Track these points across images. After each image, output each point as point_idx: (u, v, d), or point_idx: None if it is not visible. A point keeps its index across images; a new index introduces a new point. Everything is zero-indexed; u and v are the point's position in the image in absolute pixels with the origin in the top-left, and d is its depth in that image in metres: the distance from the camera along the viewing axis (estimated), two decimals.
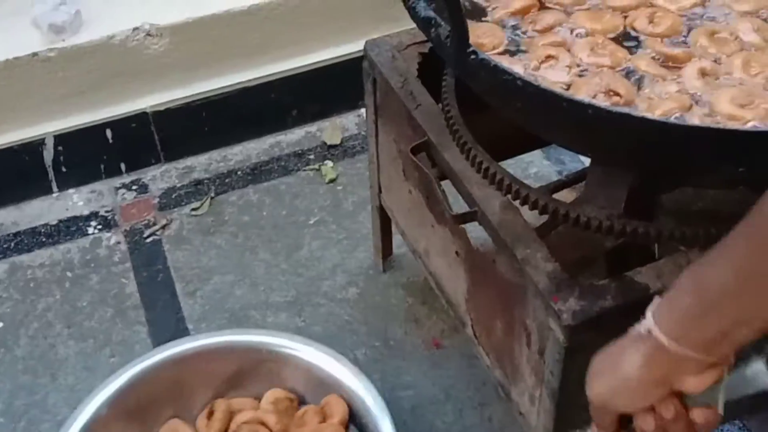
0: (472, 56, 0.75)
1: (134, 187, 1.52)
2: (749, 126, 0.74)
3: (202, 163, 1.56)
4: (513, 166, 1.44)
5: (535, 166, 1.52)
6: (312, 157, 1.57)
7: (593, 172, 0.91)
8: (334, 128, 1.62)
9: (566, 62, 0.86)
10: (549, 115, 0.75)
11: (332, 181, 1.52)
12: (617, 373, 0.66)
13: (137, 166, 1.55)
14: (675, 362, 0.63)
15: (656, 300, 0.65)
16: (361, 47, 1.13)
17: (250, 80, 1.55)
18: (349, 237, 1.43)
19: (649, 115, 0.74)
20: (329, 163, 1.56)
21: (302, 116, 1.63)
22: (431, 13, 0.80)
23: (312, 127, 1.63)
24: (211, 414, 1.09)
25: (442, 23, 0.77)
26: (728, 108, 0.78)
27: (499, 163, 0.93)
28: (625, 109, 0.75)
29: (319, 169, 1.55)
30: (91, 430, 1.01)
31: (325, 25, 1.55)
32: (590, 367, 0.69)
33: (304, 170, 1.55)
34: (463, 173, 0.96)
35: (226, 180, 1.53)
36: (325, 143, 1.59)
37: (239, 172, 1.55)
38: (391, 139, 1.14)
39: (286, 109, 1.61)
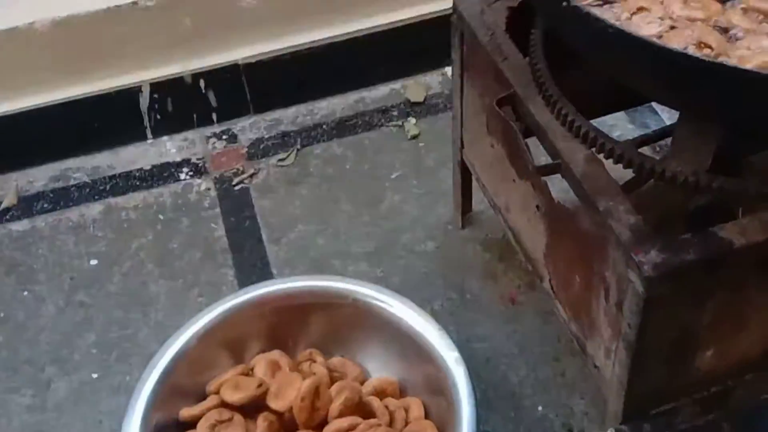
0: (564, 2, 0.76)
1: (224, 137, 1.57)
2: None
3: (290, 116, 1.60)
4: (607, 122, 1.45)
5: (619, 129, 1.51)
6: (395, 113, 1.59)
7: (681, 127, 0.90)
8: (418, 86, 1.64)
9: (659, 14, 0.85)
10: (640, 64, 0.75)
11: (415, 137, 1.54)
12: None
13: (228, 117, 1.59)
14: None
15: None
16: (447, 5, 1.14)
17: (337, 35, 1.58)
18: (430, 193, 1.45)
19: (740, 66, 0.73)
20: (412, 120, 1.57)
21: (387, 73, 1.64)
22: None
23: (396, 84, 1.64)
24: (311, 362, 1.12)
25: None
26: None
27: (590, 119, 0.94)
28: (718, 60, 0.74)
29: (402, 126, 1.57)
30: (184, 357, 1.06)
31: None
32: None
33: (387, 126, 1.57)
34: (548, 126, 0.97)
35: (312, 133, 1.57)
36: (408, 100, 1.61)
37: (324, 126, 1.58)
38: (477, 93, 1.16)
39: (372, 66, 1.63)
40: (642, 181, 0.96)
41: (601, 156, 0.92)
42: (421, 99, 1.62)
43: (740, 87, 0.69)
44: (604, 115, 1.33)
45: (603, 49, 0.77)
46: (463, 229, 1.39)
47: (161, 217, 1.44)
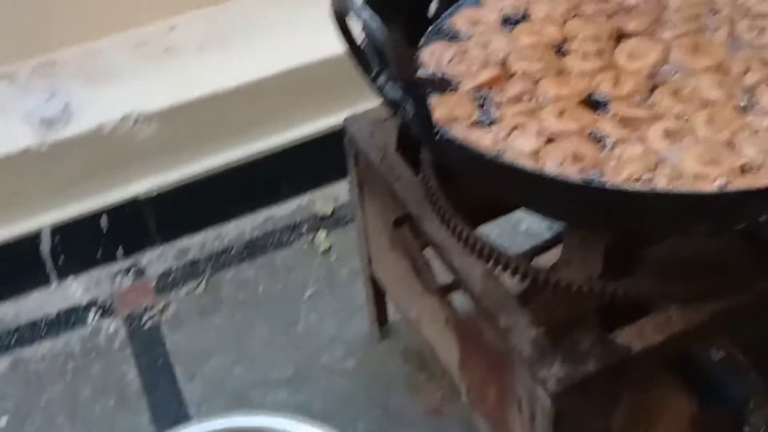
0: (439, 136, 0.77)
1: (131, 272, 1.54)
2: (713, 186, 0.76)
3: (197, 243, 1.58)
4: (503, 223, 1.46)
5: (526, 222, 1.53)
6: (305, 228, 1.59)
7: (569, 235, 0.92)
8: (325, 198, 1.64)
9: (535, 129, 0.87)
10: (516, 187, 0.77)
11: (326, 251, 1.54)
12: None
13: (133, 251, 1.57)
14: None
15: None
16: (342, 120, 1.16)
17: (239, 158, 1.58)
18: (345, 307, 1.43)
19: (608, 184, 0.75)
20: (322, 234, 1.57)
21: (294, 188, 1.65)
22: (399, 94, 0.82)
23: (304, 199, 1.65)
24: None
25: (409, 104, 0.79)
26: (694, 166, 0.80)
27: (489, 222, 0.94)
28: (586, 178, 0.76)
29: (312, 241, 1.56)
30: None
31: (310, 98, 1.59)
32: None
33: (298, 242, 1.57)
34: (444, 243, 0.97)
35: (222, 258, 1.55)
36: (317, 214, 1.61)
37: (234, 250, 1.56)
38: (377, 211, 1.16)
39: (278, 183, 1.63)
40: (539, 289, 0.96)
41: (498, 270, 0.93)
42: (329, 211, 1.62)
43: (610, 203, 0.71)
44: (505, 215, 1.35)
45: (480, 176, 0.78)
46: (382, 341, 1.38)
47: (71, 365, 1.39)
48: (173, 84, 1.50)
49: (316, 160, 1.63)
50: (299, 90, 1.57)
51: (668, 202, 0.71)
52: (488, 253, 0.92)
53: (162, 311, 1.46)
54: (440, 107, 0.90)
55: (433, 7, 0.99)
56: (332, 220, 1.60)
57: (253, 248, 1.56)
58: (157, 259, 1.56)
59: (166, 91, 1.50)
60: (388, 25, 0.90)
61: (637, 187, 0.76)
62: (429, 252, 1.03)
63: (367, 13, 0.68)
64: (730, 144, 0.82)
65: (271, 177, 1.62)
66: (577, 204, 0.74)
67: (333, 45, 0.84)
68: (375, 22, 0.68)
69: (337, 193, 1.65)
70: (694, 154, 0.81)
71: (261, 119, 1.57)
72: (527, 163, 0.80)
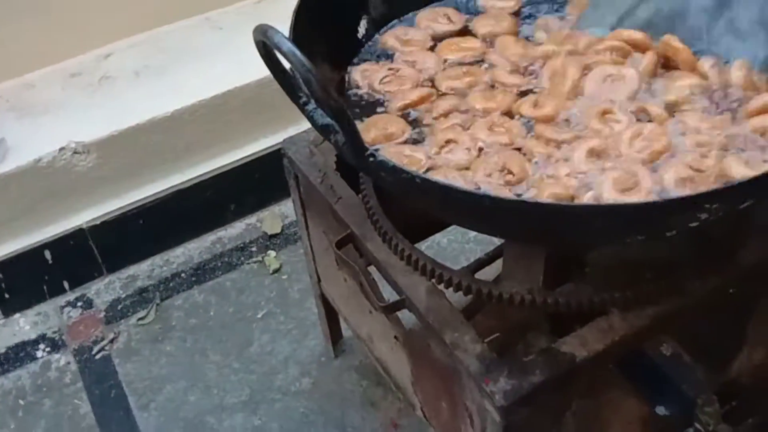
0: (371, 158, 0.78)
1: (79, 304, 1.52)
2: (628, 200, 0.76)
3: (145, 270, 1.56)
4: (453, 231, 1.47)
5: None
6: (254, 249, 1.58)
7: (508, 248, 0.93)
8: (273, 217, 1.64)
9: (466, 144, 0.88)
10: (449, 207, 0.77)
11: (276, 271, 1.54)
12: None
13: (80, 282, 1.55)
14: None
15: None
16: (288, 135, 1.15)
17: (183, 182, 1.57)
18: (299, 326, 1.43)
19: (533, 200, 0.76)
20: (272, 253, 1.57)
21: (241, 209, 1.64)
22: (329, 120, 0.82)
23: (252, 219, 1.64)
24: None
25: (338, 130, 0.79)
26: (612, 194, 0.80)
27: (440, 232, 0.93)
28: (510, 198, 0.77)
29: (262, 261, 1.56)
30: None
31: (250, 119, 1.58)
32: None
33: (248, 263, 1.56)
34: (388, 262, 0.97)
35: (171, 284, 1.54)
36: (266, 233, 1.61)
37: (183, 275, 1.55)
38: (321, 231, 1.16)
39: (224, 205, 1.62)
40: (483, 302, 0.97)
41: (441, 286, 0.93)
42: (278, 230, 1.62)
43: (538, 218, 0.72)
44: (448, 227, 1.36)
45: (414, 196, 0.79)
46: (337, 358, 1.38)
47: (21, 402, 1.37)
48: (110, 113, 1.49)
49: (261, 180, 1.62)
50: (239, 111, 1.56)
51: (597, 215, 0.72)
52: (431, 270, 0.93)
53: (112, 342, 1.44)
54: (373, 127, 0.91)
55: (363, 28, 0.99)
56: (281, 239, 1.60)
57: (202, 272, 1.55)
58: (105, 289, 1.54)
59: (104, 120, 1.48)
60: (314, 48, 0.91)
61: (565, 202, 0.77)
62: (375, 270, 1.03)
63: (287, 46, 0.68)
64: (645, 162, 0.82)
65: (217, 199, 1.61)
66: (509, 220, 0.75)
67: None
68: (296, 55, 0.68)
69: (285, 211, 1.64)
70: (611, 182, 0.80)
71: (202, 143, 1.56)
72: (459, 179, 0.80)
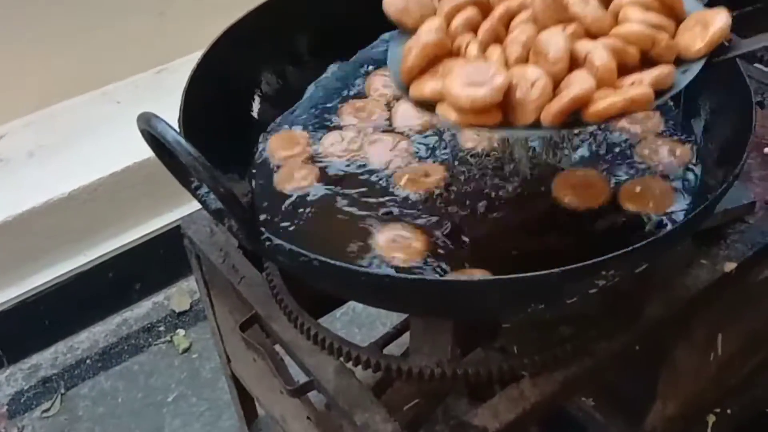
0: (266, 243, 0.76)
1: None
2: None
3: (48, 359, 1.50)
4: None
5: None
6: (162, 328, 1.54)
7: (414, 321, 0.92)
8: (181, 294, 1.59)
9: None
10: (348, 287, 0.76)
11: (186, 350, 1.49)
12: None
13: None
14: None
15: None
16: (191, 210, 1.12)
17: (84, 264, 1.52)
18: (212, 407, 1.39)
19: (426, 277, 0.76)
20: (181, 332, 1.52)
21: (147, 287, 1.60)
22: (219, 206, 0.80)
23: (159, 297, 1.60)
24: None
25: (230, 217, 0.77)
26: None
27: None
28: (408, 275, 0.76)
29: (171, 340, 1.51)
30: None
31: (151, 195, 1.55)
32: None
33: (156, 344, 1.51)
34: (294, 342, 0.95)
35: (76, 372, 1.47)
36: (174, 311, 1.56)
37: (88, 361, 1.49)
38: (227, 310, 1.13)
39: (129, 284, 1.58)
40: (393, 378, 0.95)
41: (350, 364, 0.91)
42: (186, 307, 1.58)
43: (431, 294, 0.71)
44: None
45: (313, 277, 0.77)
46: None
47: None
48: (4, 197, 1.44)
49: (166, 256, 1.58)
50: (140, 187, 1.52)
51: (494, 289, 0.71)
52: (338, 349, 0.91)
53: None
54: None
55: (256, 108, 0.98)
56: (190, 316, 1.56)
57: (108, 357, 1.49)
58: (7, 381, 1.47)
59: None
60: (207, 125, 0.90)
61: (463, 277, 0.76)
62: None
63: (171, 135, 0.66)
64: None
65: (121, 279, 1.56)
66: (409, 298, 0.74)
67: None
68: (181, 144, 0.66)
69: (193, 286, 1.60)
70: None
71: (103, 222, 1.52)
72: (354, 262, 0.79)
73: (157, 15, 1.67)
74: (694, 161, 0.92)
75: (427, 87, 0.75)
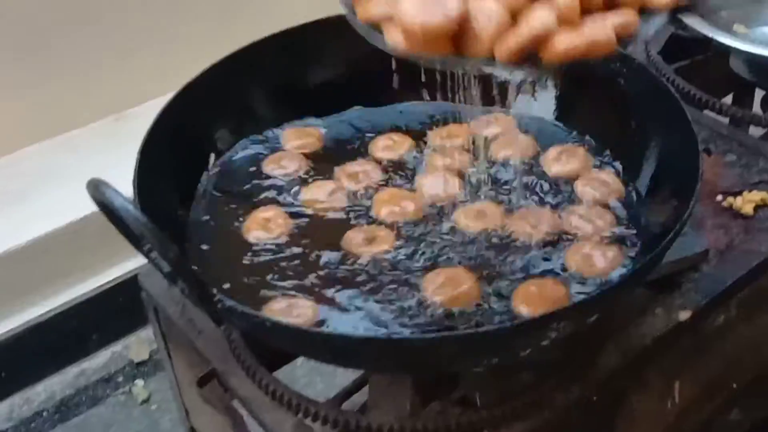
0: (218, 305, 0.75)
1: None
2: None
3: (3, 413, 1.47)
4: None
5: None
6: (121, 379, 1.52)
7: (372, 378, 0.91)
8: (140, 343, 1.58)
9: None
10: (300, 346, 0.76)
11: (145, 401, 1.47)
12: None
13: None
14: None
15: None
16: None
17: (41, 314, 1.50)
18: None
19: (379, 335, 0.76)
20: (140, 383, 1.50)
21: (105, 337, 1.58)
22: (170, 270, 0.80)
23: (117, 346, 1.58)
24: None
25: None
26: None
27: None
28: (362, 334, 0.76)
29: (130, 391, 1.49)
30: None
31: (109, 244, 1.51)
32: None
33: (114, 395, 1.49)
34: (252, 398, 0.94)
35: (32, 425, 1.45)
36: (132, 361, 1.54)
37: (45, 413, 1.47)
38: (185, 364, 1.12)
39: (86, 334, 1.56)
40: None
41: (309, 420, 0.91)
42: (146, 356, 1.56)
43: (389, 352, 0.71)
44: None
45: (268, 337, 0.77)
46: None
47: None
48: None
49: (125, 305, 1.56)
50: (97, 236, 1.50)
51: (447, 345, 0.71)
52: (297, 405, 0.90)
53: None
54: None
55: (211, 163, 0.98)
56: (150, 365, 1.54)
57: (65, 409, 1.47)
58: None
59: None
60: (162, 186, 0.89)
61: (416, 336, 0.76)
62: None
63: (120, 202, 0.66)
64: None
65: (79, 329, 1.54)
66: (363, 357, 0.74)
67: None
68: (129, 212, 0.66)
69: (152, 336, 1.58)
70: None
71: (59, 271, 1.50)
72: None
73: (116, 62, 1.67)
74: (638, 215, 0.93)
75: (376, 7, 0.71)
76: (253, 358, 0.95)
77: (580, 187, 0.97)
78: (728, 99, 1.41)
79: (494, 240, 0.90)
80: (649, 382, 1.02)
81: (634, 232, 0.92)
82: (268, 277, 0.89)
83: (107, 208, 0.69)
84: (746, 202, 1.05)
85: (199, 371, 1.02)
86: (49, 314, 1.49)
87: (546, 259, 0.89)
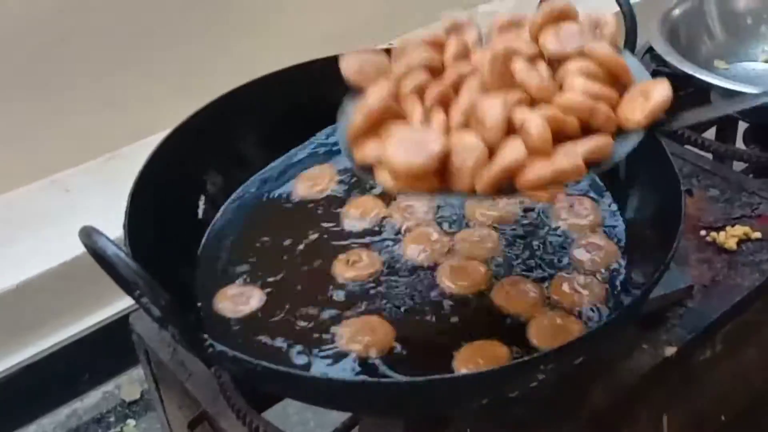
0: (209, 349, 0.76)
1: None
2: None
3: None
4: None
5: None
6: (112, 419, 1.52)
7: (362, 422, 0.92)
8: (131, 383, 1.58)
9: None
10: (293, 390, 0.76)
11: None
12: None
13: None
14: None
15: None
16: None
17: (32, 356, 1.50)
18: None
19: (366, 380, 0.77)
20: (131, 422, 1.50)
21: (96, 377, 1.57)
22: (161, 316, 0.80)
23: (109, 386, 1.57)
24: None
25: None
26: None
27: None
28: (347, 377, 0.77)
29: (121, 431, 1.49)
30: None
31: (101, 284, 1.51)
32: None
33: None
34: None
35: None
36: (124, 400, 1.54)
37: None
38: (176, 406, 1.12)
39: (78, 374, 1.55)
40: None
41: None
42: (137, 396, 1.56)
43: (381, 396, 0.72)
44: None
45: (261, 382, 0.78)
46: None
47: None
48: None
49: (117, 344, 1.55)
50: (89, 277, 1.50)
51: (434, 388, 0.72)
52: None
53: None
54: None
55: (201, 208, 0.99)
56: (141, 405, 1.54)
57: None
58: None
59: None
60: (154, 231, 0.90)
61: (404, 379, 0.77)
62: None
63: (112, 251, 0.67)
64: None
65: (70, 369, 1.54)
66: (355, 402, 0.75)
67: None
68: (121, 259, 0.67)
69: (143, 375, 1.58)
70: None
71: (51, 313, 1.51)
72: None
73: (106, 104, 1.68)
74: (621, 256, 0.94)
75: (369, 151, 0.76)
76: (242, 401, 0.96)
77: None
78: (711, 133, 1.43)
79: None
80: (638, 416, 1.03)
81: (618, 275, 0.93)
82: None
83: (99, 256, 0.70)
84: (729, 236, 1.07)
85: (190, 413, 1.03)
86: (40, 355, 1.49)
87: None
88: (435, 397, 0.74)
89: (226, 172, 1.02)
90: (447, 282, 0.90)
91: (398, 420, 0.89)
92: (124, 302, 1.55)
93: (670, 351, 0.97)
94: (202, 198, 0.98)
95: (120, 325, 1.54)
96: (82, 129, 1.67)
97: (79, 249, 1.51)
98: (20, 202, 1.62)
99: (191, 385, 1.02)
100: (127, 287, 0.78)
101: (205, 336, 0.76)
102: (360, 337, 0.83)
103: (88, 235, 0.69)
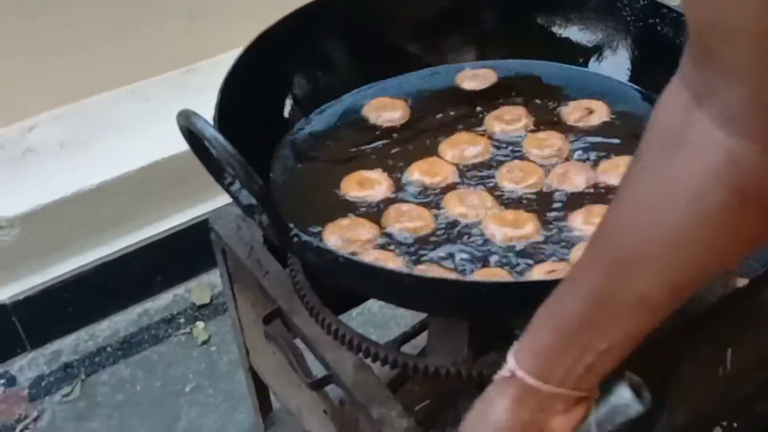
0: (294, 239, 0.79)
1: (2, 381, 1.48)
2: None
3: (70, 345, 1.53)
4: None
5: None
6: (182, 320, 1.57)
7: (432, 321, 0.95)
8: (201, 287, 1.63)
9: None
10: (369, 284, 0.79)
11: (205, 342, 1.52)
12: (486, 420, 0.65)
13: (3, 358, 1.51)
14: (542, 402, 0.63)
15: (516, 342, 0.65)
16: (215, 205, 1.16)
17: (108, 254, 1.55)
18: (228, 398, 1.42)
19: (447, 277, 0.78)
20: (200, 324, 1.56)
21: (168, 280, 1.63)
22: (253, 201, 0.83)
23: (179, 289, 1.63)
24: None
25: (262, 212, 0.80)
26: None
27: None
28: (429, 275, 0.79)
29: (190, 332, 1.54)
30: None
31: (176, 190, 1.58)
32: (462, 421, 0.68)
33: (176, 335, 1.54)
34: (315, 337, 0.98)
35: (96, 359, 1.51)
36: (194, 304, 1.60)
37: (109, 349, 1.53)
38: (249, 304, 1.16)
39: (151, 276, 1.61)
40: (409, 375, 0.98)
41: (368, 360, 0.94)
42: (207, 300, 1.61)
43: (456, 295, 0.74)
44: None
45: (338, 274, 0.80)
46: (267, 431, 1.36)
47: None
48: (34, 186, 1.47)
49: (189, 250, 1.62)
50: (166, 182, 1.56)
51: (513, 291, 0.74)
52: (358, 345, 0.93)
53: (36, 420, 1.41)
54: None
55: (288, 108, 1.01)
56: (210, 309, 1.59)
57: (128, 346, 1.53)
58: (29, 365, 1.50)
59: (27, 193, 1.46)
60: (241, 126, 0.93)
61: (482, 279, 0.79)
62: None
63: (210, 133, 0.69)
64: None
65: (144, 271, 1.59)
66: (430, 298, 0.77)
67: None
68: (219, 141, 0.69)
69: (214, 280, 1.63)
70: None
71: (128, 214, 1.55)
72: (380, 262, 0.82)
73: (186, 18, 1.70)
74: None
75: None
76: (317, 299, 0.99)
77: None
78: None
79: None
80: (701, 348, 1.03)
81: None
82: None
83: (195, 138, 0.73)
84: None
85: (264, 310, 1.06)
86: (116, 255, 1.54)
87: None
88: (508, 299, 0.75)
89: (312, 78, 1.03)
90: None
91: (464, 326, 0.91)
92: (197, 209, 1.60)
93: (741, 282, 0.97)
94: (290, 99, 1.00)
95: (193, 233, 1.60)
96: (162, 42, 1.70)
97: (158, 155, 1.57)
98: (102, 107, 1.66)
99: (267, 282, 1.05)
100: (219, 172, 0.81)
101: (291, 225, 0.79)
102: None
103: (186, 117, 0.72)
